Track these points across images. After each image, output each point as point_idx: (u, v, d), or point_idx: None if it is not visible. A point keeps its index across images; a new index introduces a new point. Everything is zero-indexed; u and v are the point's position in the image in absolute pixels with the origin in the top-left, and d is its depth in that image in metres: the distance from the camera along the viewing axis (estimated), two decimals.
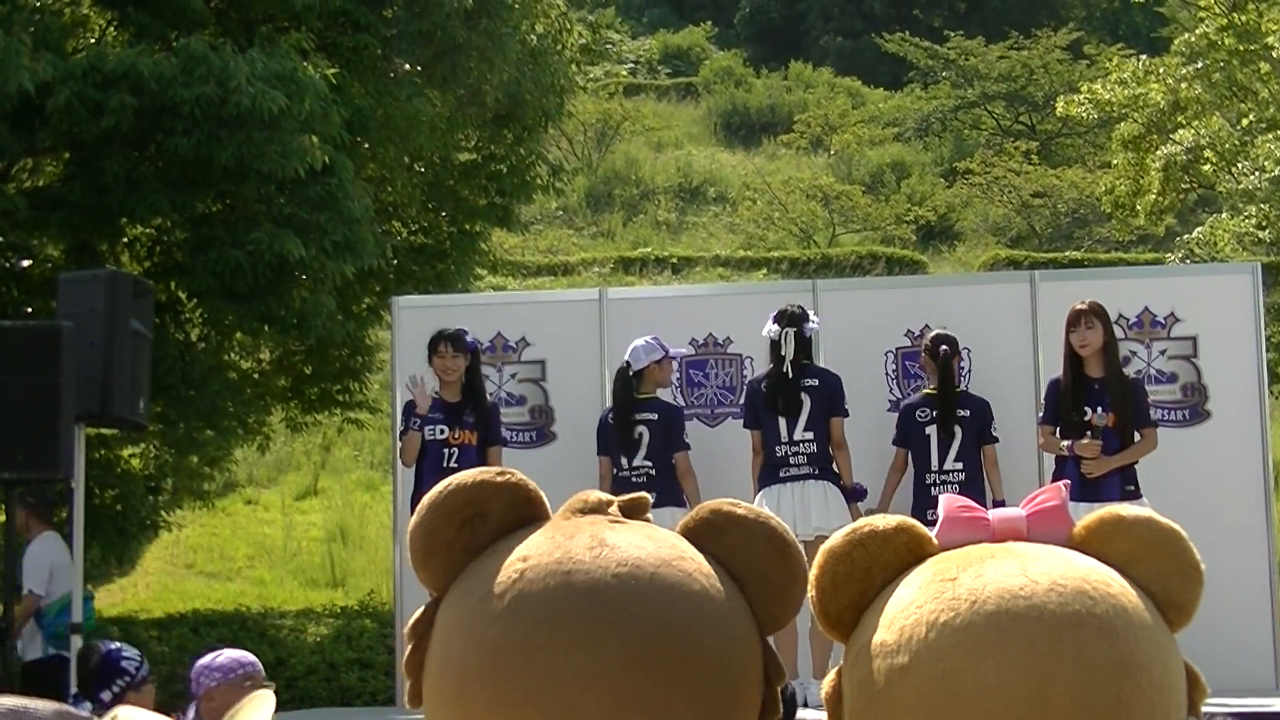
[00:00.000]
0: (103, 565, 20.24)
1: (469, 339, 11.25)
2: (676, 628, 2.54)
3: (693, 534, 2.77)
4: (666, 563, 2.61)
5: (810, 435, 10.81)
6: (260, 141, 13.06)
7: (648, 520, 2.94)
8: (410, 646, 2.79)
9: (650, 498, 2.93)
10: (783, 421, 10.85)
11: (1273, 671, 11.31)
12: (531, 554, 2.66)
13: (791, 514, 10.39)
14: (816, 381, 10.92)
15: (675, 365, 11.61)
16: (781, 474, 10.77)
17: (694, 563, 2.66)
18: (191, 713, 6.54)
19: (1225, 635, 10.33)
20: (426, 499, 2.79)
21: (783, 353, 10.90)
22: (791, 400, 10.84)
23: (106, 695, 6.68)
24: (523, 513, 2.79)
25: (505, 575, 2.62)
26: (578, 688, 2.49)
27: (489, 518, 2.77)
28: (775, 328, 10.95)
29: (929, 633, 2.56)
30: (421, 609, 2.78)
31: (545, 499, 2.86)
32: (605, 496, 2.85)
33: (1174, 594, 2.76)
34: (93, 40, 15.28)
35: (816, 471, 10.78)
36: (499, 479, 2.82)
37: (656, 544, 2.67)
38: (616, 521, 2.77)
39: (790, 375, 10.88)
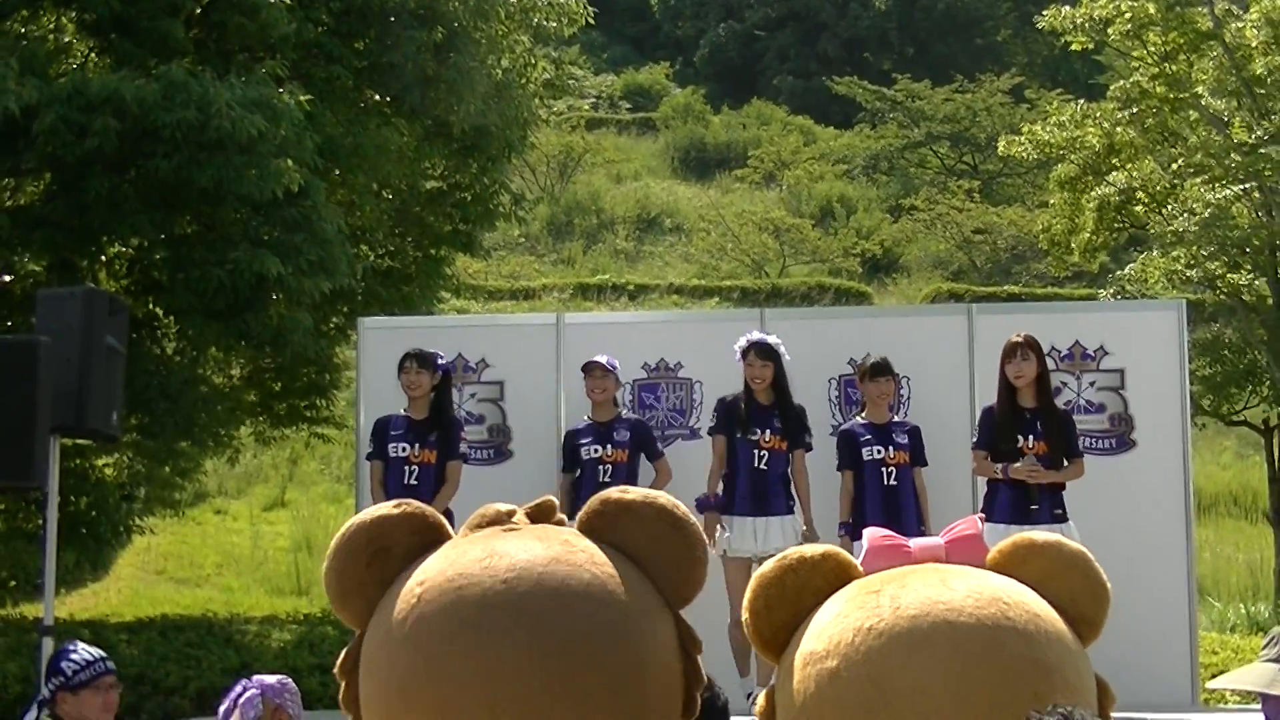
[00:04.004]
0: (76, 571, 20.15)
1: (441, 361, 11.25)
2: (567, 617, 2.57)
3: (588, 527, 2.81)
4: (555, 559, 2.64)
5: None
6: (239, 165, 13.04)
7: (560, 523, 2.97)
8: (344, 685, 2.82)
9: (556, 501, 2.96)
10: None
11: (1190, 687, 11.39)
12: (427, 576, 2.69)
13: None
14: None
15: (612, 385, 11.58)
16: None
17: (585, 554, 2.69)
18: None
19: (1147, 652, 10.43)
20: (333, 542, 2.81)
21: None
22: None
23: (45, 691, 6.69)
24: (426, 539, 2.81)
25: (405, 602, 2.65)
26: (481, 692, 2.52)
27: (394, 550, 2.79)
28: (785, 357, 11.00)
29: (856, 638, 2.61)
30: (347, 647, 2.80)
31: (446, 523, 2.87)
32: (505, 508, 2.88)
33: (1084, 611, 2.82)
34: (75, 66, 15.24)
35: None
36: (396, 511, 2.84)
37: (546, 544, 2.70)
38: (511, 529, 2.79)
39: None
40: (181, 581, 23.03)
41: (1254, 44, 21.31)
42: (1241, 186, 20.94)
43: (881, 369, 11.06)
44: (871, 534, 2.97)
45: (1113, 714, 2.85)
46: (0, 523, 16.85)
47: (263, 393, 18.98)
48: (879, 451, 10.89)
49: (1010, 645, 2.60)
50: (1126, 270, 23.94)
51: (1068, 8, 23.47)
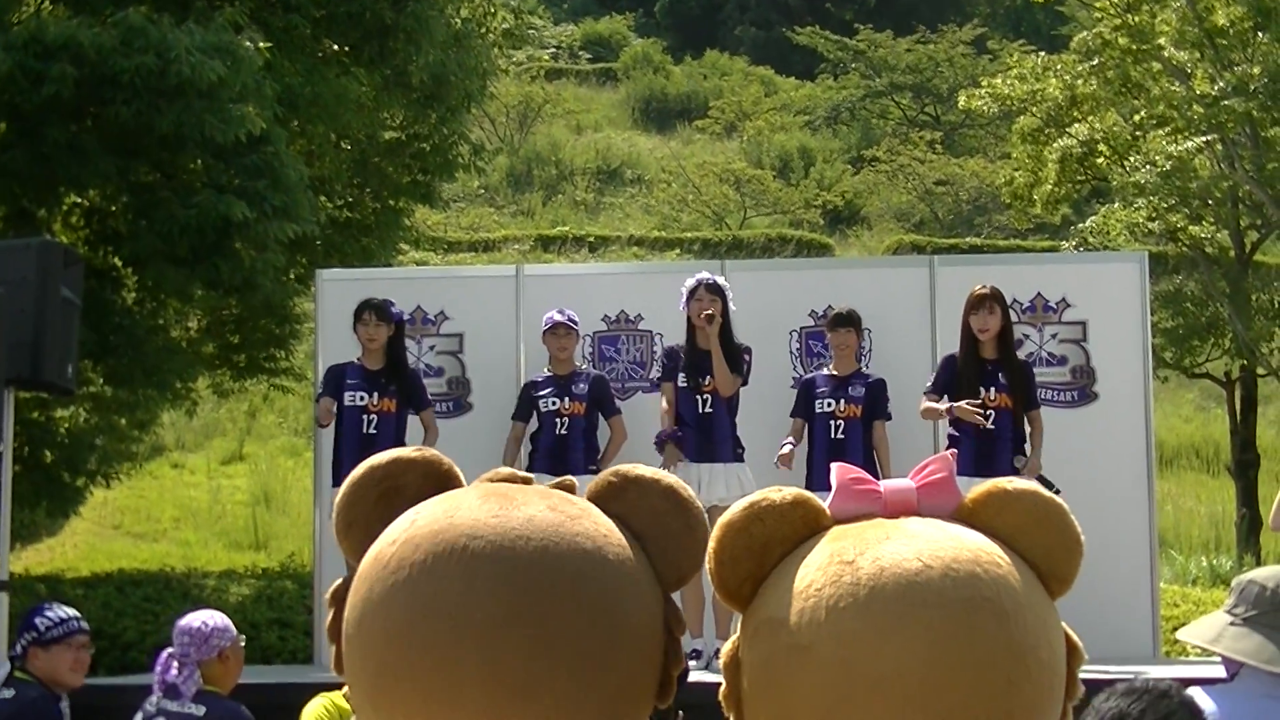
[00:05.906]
0: (32, 525, 20.08)
1: (395, 310, 11.22)
2: (557, 583, 2.54)
3: (596, 496, 2.78)
4: (554, 524, 2.61)
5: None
6: (199, 110, 12.93)
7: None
8: (331, 613, 2.79)
9: (574, 482, 2.93)
10: None
11: (1151, 640, 11.45)
12: (418, 517, 2.68)
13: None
14: None
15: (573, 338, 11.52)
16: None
17: (591, 523, 2.67)
18: (187, 672, 6.42)
19: (1108, 606, 10.45)
20: (350, 476, 2.80)
21: None
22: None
23: (17, 648, 6.67)
24: (437, 486, 2.79)
25: (396, 528, 2.64)
26: (457, 646, 2.49)
27: (405, 491, 2.77)
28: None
29: (829, 617, 2.56)
30: (342, 578, 2.78)
31: (460, 474, 2.86)
32: (520, 474, 2.87)
33: (1056, 565, 2.78)
34: (30, 13, 15.09)
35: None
36: (413, 455, 2.83)
37: (549, 502, 2.68)
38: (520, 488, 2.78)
39: None
40: (139, 536, 22.98)
41: None
42: (1203, 138, 20.99)
43: (842, 320, 11.02)
44: (841, 473, 2.91)
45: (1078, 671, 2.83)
46: None
47: (221, 345, 18.90)
48: (829, 404, 10.88)
49: (985, 629, 2.55)
50: (1088, 223, 23.99)
51: None
